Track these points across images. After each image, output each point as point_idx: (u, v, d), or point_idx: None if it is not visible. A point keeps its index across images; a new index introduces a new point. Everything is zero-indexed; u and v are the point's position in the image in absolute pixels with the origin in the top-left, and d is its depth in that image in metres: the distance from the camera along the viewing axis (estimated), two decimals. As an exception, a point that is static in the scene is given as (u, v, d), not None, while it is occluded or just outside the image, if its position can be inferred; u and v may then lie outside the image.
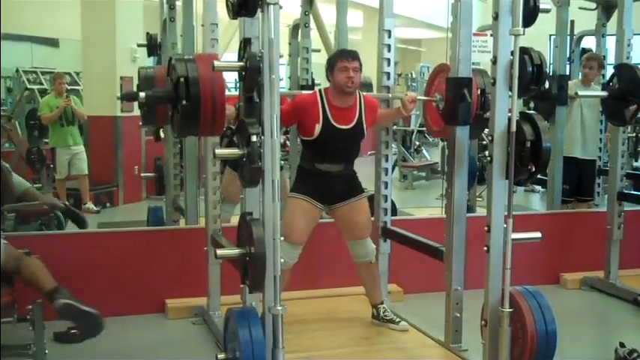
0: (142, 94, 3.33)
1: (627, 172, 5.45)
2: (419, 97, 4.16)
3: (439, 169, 10.37)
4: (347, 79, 3.92)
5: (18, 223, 5.14)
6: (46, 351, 3.52)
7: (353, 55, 3.99)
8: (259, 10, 2.94)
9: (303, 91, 4.27)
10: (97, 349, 4.08)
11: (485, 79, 3.86)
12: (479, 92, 3.85)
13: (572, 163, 5.92)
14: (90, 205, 8.17)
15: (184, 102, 3.04)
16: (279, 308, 2.92)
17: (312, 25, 6.44)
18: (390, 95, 4.39)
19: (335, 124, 3.97)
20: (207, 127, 3.18)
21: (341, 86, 3.94)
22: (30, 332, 3.54)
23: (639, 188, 7.21)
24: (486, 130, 3.35)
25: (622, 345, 3.85)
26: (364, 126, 4.05)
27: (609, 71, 5.51)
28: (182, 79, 3.04)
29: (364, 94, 4.16)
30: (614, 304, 5.04)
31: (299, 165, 4.23)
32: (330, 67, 4.00)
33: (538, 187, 9.35)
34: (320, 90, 4.08)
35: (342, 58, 3.98)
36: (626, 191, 5.35)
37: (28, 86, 10.29)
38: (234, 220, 4.11)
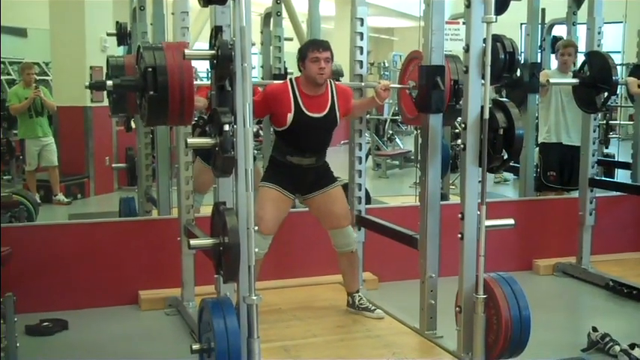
0: (110, 83, 3.28)
1: (598, 158, 5.49)
2: (392, 85, 4.16)
3: (412, 157, 10.40)
4: (319, 70, 3.90)
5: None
6: (18, 344, 3.47)
7: (324, 46, 3.97)
8: (230, -3, 2.91)
9: (275, 81, 4.24)
10: (69, 342, 4.06)
11: (458, 65, 3.86)
12: (452, 82, 3.85)
13: (558, 150, 5.94)
14: (60, 196, 8.09)
15: (152, 91, 3.00)
16: (254, 298, 2.91)
17: (284, 13, 6.42)
18: (363, 84, 4.38)
19: (307, 112, 3.96)
20: (175, 117, 3.13)
21: (313, 77, 3.92)
22: (1, 326, 3.49)
23: (610, 175, 7.29)
24: (459, 119, 3.36)
25: (595, 329, 3.91)
26: (337, 114, 4.04)
27: (579, 59, 5.56)
28: (150, 68, 3.00)
29: (337, 82, 4.14)
30: (587, 289, 5.09)
31: (271, 155, 4.20)
32: (302, 57, 3.98)
33: (509, 177, 9.41)
34: (291, 79, 4.07)
35: (313, 48, 3.95)
36: (598, 178, 5.40)
37: (-3, 77, 10.15)
38: (205, 211, 4.09)
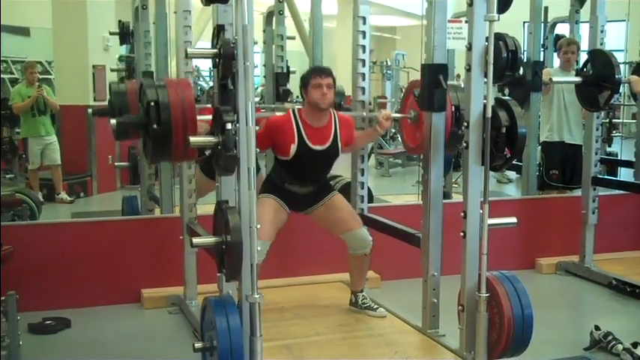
0: (113, 122, 3.28)
1: (601, 157, 5.48)
2: (393, 115, 4.15)
3: (415, 156, 10.38)
4: (321, 96, 3.91)
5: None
6: (21, 342, 3.48)
7: (326, 72, 3.99)
8: (233, -4, 2.91)
9: (277, 113, 4.25)
10: (72, 340, 4.06)
11: (459, 94, 3.87)
12: (453, 108, 3.86)
13: (560, 148, 5.93)
14: (63, 195, 8.10)
15: (155, 126, 3.00)
16: (257, 296, 2.91)
17: (287, 12, 6.41)
18: (365, 114, 4.39)
19: (310, 144, 3.97)
20: (179, 153, 3.14)
21: (316, 102, 3.93)
22: (3, 324, 3.49)
23: (613, 173, 7.28)
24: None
25: (597, 328, 3.90)
26: (339, 145, 4.06)
27: (582, 57, 5.55)
28: (152, 102, 3.00)
29: (339, 112, 4.15)
30: (590, 288, 5.09)
31: (269, 176, 4.21)
32: (304, 84, 3.99)
33: (512, 176, 9.39)
34: (294, 110, 4.06)
35: (315, 75, 3.97)
36: (600, 176, 5.40)
37: (0, 76, 10.15)
38: (207, 210, 4.09)
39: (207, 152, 3.03)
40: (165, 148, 3.06)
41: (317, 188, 4.13)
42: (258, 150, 2.91)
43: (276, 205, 4.04)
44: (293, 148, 3.95)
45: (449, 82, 3.77)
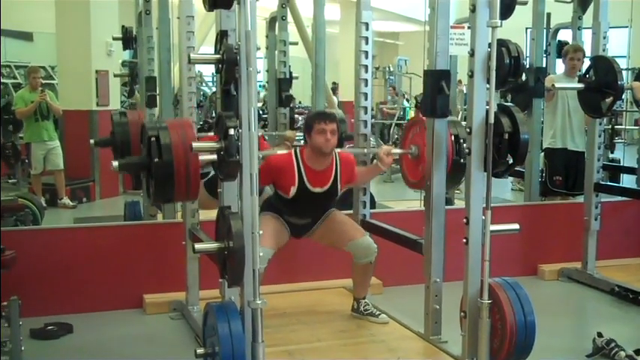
0: (115, 164, 3.32)
1: (604, 163, 5.48)
2: (394, 151, 4.17)
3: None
4: (325, 142, 3.91)
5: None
6: (23, 348, 3.48)
7: (331, 118, 3.99)
8: (236, 2, 2.91)
9: (278, 151, 4.28)
10: (75, 346, 4.06)
11: (459, 129, 3.91)
12: (453, 139, 3.86)
13: (563, 155, 5.93)
14: (66, 200, 8.10)
15: (157, 161, 3.07)
16: (259, 302, 2.91)
17: (290, 18, 6.43)
18: (366, 151, 4.41)
19: (310, 187, 3.99)
20: (182, 193, 3.19)
21: (319, 147, 3.93)
22: (6, 329, 3.49)
23: (616, 179, 7.27)
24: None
25: (600, 335, 3.89)
26: (338, 187, 4.08)
27: (584, 64, 5.54)
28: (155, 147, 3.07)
29: (339, 150, 4.16)
30: (592, 294, 5.08)
31: (269, 199, 4.21)
32: (308, 128, 3.99)
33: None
34: (295, 151, 4.06)
35: (319, 120, 3.96)
36: (603, 182, 5.39)
37: (2, 80, 10.16)
38: (210, 215, 4.09)
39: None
40: (167, 188, 3.13)
41: (315, 219, 4.18)
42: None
43: (279, 224, 4.09)
44: (293, 190, 3.97)
45: (449, 118, 3.79)
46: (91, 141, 3.85)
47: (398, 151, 4.21)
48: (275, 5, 6.23)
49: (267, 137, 5.75)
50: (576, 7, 6.19)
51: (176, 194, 3.18)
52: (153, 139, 3.08)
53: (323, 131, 3.92)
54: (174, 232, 4.48)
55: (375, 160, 4.20)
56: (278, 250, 4.01)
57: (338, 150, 4.13)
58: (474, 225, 3.30)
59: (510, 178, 8.69)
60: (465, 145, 3.51)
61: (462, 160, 3.68)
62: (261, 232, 2.92)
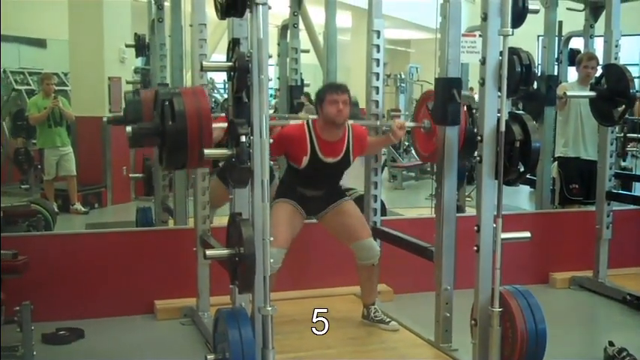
0: (129, 129, 3.26)
1: (616, 171, 5.46)
2: (407, 124, 4.18)
3: (428, 169, 10.37)
4: (337, 112, 3.92)
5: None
6: (34, 352, 3.50)
7: (342, 89, 4.00)
8: (248, 10, 2.93)
9: (292, 122, 4.28)
10: (86, 351, 4.07)
11: (471, 101, 3.89)
12: (465, 108, 3.85)
13: (576, 164, 5.90)
14: (78, 205, 8.13)
15: (170, 125, 3.03)
16: (269, 309, 2.92)
17: (301, 25, 6.45)
18: (379, 123, 4.39)
19: (322, 157, 4.00)
20: (194, 159, 3.17)
21: (331, 118, 3.94)
22: (18, 334, 3.52)
23: (628, 188, 7.24)
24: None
25: (611, 344, 3.87)
26: (351, 157, 4.09)
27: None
28: (168, 111, 3.04)
29: (352, 122, 4.16)
30: (603, 303, 5.06)
31: (282, 178, 4.25)
32: (320, 100, 4.00)
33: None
34: (308, 122, 4.07)
35: (331, 91, 3.98)
36: (615, 191, 5.37)
37: (16, 87, 10.23)
38: (221, 221, 4.11)
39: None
40: (180, 153, 3.09)
41: (329, 191, 4.17)
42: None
43: (293, 210, 4.07)
44: (305, 159, 3.98)
45: (463, 93, 3.78)
46: (104, 118, 3.88)
47: (411, 124, 4.20)
48: (287, 13, 6.25)
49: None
50: (588, 15, 6.18)
51: (189, 160, 3.14)
52: (166, 103, 3.07)
53: (335, 102, 3.92)
54: (186, 238, 4.49)
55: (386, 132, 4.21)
56: (292, 241, 4.00)
57: (351, 122, 4.13)
58: (485, 233, 3.30)
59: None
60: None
61: (475, 130, 3.66)
62: (271, 238, 2.93)
